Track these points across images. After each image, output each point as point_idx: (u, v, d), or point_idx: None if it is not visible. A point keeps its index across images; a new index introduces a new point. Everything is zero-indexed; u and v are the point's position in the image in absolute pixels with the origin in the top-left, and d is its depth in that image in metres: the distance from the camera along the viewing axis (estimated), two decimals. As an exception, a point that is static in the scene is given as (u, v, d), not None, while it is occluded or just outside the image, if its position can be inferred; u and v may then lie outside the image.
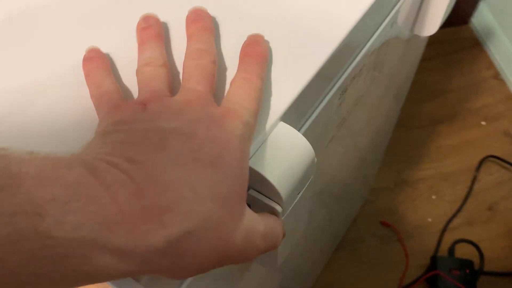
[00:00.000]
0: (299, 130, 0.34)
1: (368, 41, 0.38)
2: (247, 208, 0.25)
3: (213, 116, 0.24)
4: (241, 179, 0.24)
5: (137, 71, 0.28)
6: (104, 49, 0.30)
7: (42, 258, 0.17)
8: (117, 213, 0.19)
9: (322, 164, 0.49)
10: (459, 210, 1.15)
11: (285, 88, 0.30)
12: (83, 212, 0.18)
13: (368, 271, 1.08)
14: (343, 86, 0.38)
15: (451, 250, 1.08)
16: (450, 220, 1.13)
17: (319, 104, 0.35)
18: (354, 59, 0.37)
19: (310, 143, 0.38)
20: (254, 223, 0.25)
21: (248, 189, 0.28)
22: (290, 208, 0.30)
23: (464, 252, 1.08)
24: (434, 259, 1.06)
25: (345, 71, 0.37)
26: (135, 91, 0.28)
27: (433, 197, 1.17)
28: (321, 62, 0.31)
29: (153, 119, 0.23)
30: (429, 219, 1.14)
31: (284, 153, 0.28)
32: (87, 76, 0.28)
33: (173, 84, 0.28)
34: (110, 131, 0.24)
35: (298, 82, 0.30)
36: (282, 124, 0.29)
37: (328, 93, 0.36)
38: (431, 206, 1.16)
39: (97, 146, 0.23)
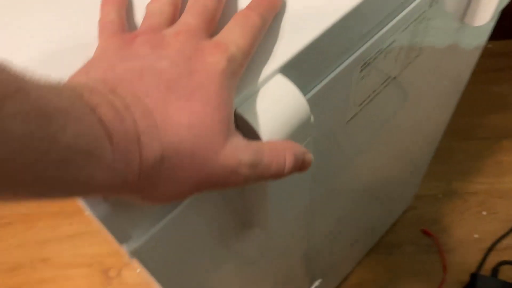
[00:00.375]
0: (307, 92, 0.33)
1: (398, 14, 0.37)
2: (232, 136, 0.25)
3: (198, 49, 0.24)
4: (221, 111, 0.24)
5: (146, 6, 0.29)
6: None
7: (47, 162, 0.18)
8: (106, 133, 0.20)
9: (344, 143, 0.48)
10: (511, 230, 1.07)
11: (291, 40, 0.29)
12: (81, 124, 0.19)
13: (400, 279, 1.03)
14: (364, 58, 0.36)
15: (495, 270, 1.01)
16: (499, 240, 1.06)
17: (332, 71, 0.34)
18: (380, 29, 0.36)
19: (321, 112, 0.37)
20: (238, 152, 0.25)
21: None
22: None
23: (509, 275, 1.00)
24: (474, 276, 0.99)
25: (367, 40, 0.35)
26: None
27: (484, 213, 1.10)
28: (335, 19, 0.30)
29: (137, 51, 0.24)
30: (476, 235, 1.07)
31: (276, 106, 0.28)
32: (101, 5, 0.29)
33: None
34: (100, 57, 0.25)
35: (306, 36, 0.29)
36: (279, 77, 0.28)
37: (344, 61, 0.35)
38: (480, 222, 1.09)
39: (89, 70, 0.24)
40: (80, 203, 0.25)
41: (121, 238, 0.26)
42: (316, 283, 0.81)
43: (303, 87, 0.32)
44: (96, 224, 0.25)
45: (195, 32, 0.25)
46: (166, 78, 0.23)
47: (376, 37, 0.36)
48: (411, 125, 0.69)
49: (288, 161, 0.27)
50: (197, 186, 0.24)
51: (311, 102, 0.33)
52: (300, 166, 0.29)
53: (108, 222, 0.24)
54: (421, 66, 0.50)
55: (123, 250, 0.29)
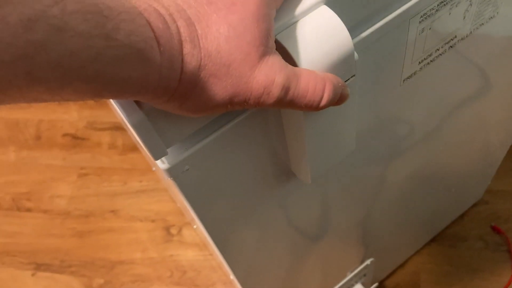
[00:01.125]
0: (356, 34, 0.32)
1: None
2: (270, 54, 0.25)
3: None
4: (260, 25, 0.24)
5: None
6: None
7: (106, 56, 0.20)
8: (154, 35, 0.22)
9: (402, 104, 0.46)
10: None
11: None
12: (133, 24, 0.21)
13: (460, 274, 0.98)
14: (425, 7, 0.35)
15: None
16: None
17: (386, 15, 0.33)
18: (444, -23, 0.34)
19: (373, 60, 0.36)
20: (273, 70, 0.25)
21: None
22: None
23: None
24: (545, 282, 0.92)
25: (428, -13, 0.33)
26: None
27: None
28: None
29: None
30: (553, 239, 0.99)
31: (318, 36, 0.27)
32: None
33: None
34: None
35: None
36: (324, 8, 0.28)
37: (401, 6, 0.33)
38: (560, 225, 1.00)
39: None
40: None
41: (156, 151, 0.27)
42: (368, 262, 0.80)
43: (352, 28, 0.32)
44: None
45: None
46: None
47: (439, -16, 0.34)
48: (487, 113, 0.65)
49: (328, 91, 0.27)
50: (231, 98, 0.25)
51: (361, 45, 0.33)
52: (338, 100, 0.28)
53: (142, 130, 0.26)
54: (497, 30, 0.47)
55: (160, 168, 0.30)
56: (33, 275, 1.12)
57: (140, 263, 1.10)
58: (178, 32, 0.23)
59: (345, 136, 0.35)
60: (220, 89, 0.24)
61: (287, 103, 0.26)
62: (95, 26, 0.19)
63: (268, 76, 0.25)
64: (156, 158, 0.28)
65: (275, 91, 0.25)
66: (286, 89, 0.25)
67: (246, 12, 0.24)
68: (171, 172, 0.30)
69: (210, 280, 1.06)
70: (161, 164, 0.30)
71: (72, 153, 1.28)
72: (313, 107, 0.27)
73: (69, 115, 1.35)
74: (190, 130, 0.29)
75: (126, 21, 0.20)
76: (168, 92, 0.23)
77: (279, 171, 0.40)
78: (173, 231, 1.13)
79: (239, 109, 0.26)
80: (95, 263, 1.12)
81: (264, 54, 0.25)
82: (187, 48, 0.23)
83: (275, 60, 0.25)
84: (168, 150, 0.29)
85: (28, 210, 1.22)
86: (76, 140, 1.31)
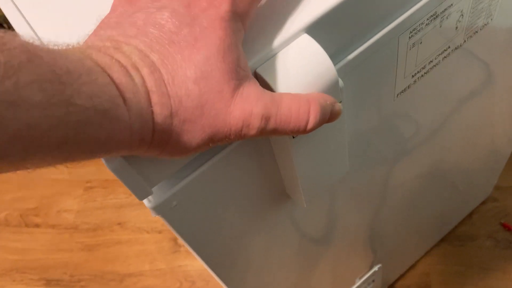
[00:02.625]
0: (342, 58, 0.31)
1: (454, -26, 0.33)
2: (244, 83, 0.24)
3: None
4: (226, 59, 0.23)
5: None
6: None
7: (67, 123, 0.19)
8: (119, 92, 0.21)
9: (398, 118, 0.45)
10: None
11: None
12: (94, 85, 0.20)
13: (472, 273, 0.97)
14: (413, 22, 0.34)
15: None
16: None
17: (374, 34, 0.32)
18: (432, -9, 0.33)
19: (364, 80, 0.35)
20: (249, 101, 0.24)
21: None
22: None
23: None
24: (559, 279, 0.90)
25: (415, 3, 0.32)
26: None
27: None
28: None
29: (140, 3, 0.24)
30: None
31: (300, 68, 0.26)
32: None
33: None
34: (110, 14, 0.25)
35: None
36: (305, 37, 0.27)
37: (388, 24, 0.32)
38: None
39: (100, 27, 0.25)
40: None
41: (139, 193, 0.27)
42: (376, 268, 0.79)
43: (337, 51, 0.31)
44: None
45: None
46: (168, 30, 0.23)
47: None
48: (491, 108, 0.63)
49: (314, 113, 0.25)
50: (210, 137, 0.24)
51: (349, 65, 0.32)
52: (330, 117, 0.27)
53: (123, 175, 0.25)
54: (493, 38, 0.46)
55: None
56: (43, 291, 1.13)
57: (149, 274, 1.10)
58: (144, 83, 0.22)
59: (337, 158, 0.35)
60: (197, 131, 0.23)
61: (270, 131, 0.25)
62: (52, 95, 0.18)
63: (244, 109, 0.24)
64: (141, 198, 0.27)
65: (255, 123, 0.24)
66: (266, 119, 0.24)
67: (210, 48, 0.23)
68: (158, 210, 0.29)
69: (219, 290, 1.05)
70: (147, 203, 0.29)
71: (77, 166, 1.28)
72: (301, 131, 0.26)
73: (73, 128, 1.35)
74: (174, 169, 0.28)
75: (87, 84, 0.19)
76: (143, 145, 0.23)
77: (276, 194, 0.39)
78: (181, 241, 1.13)
79: (223, 143, 0.25)
80: (105, 276, 1.12)
81: (236, 87, 0.24)
82: (155, 98, 0.22)
83: (251, 90, 0.24)
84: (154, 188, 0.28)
85: (37, 225, 1.22)
86: (80, 154, 1.31)
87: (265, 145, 0.33)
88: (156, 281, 1.09)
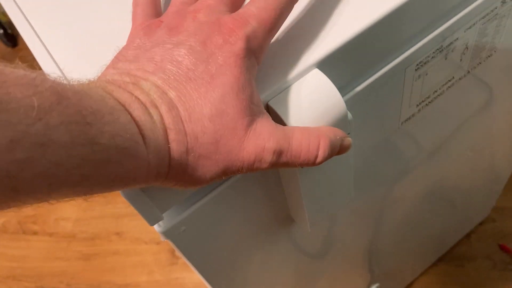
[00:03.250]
0: (350, 89, 0.32)
1: (460, 10, 0.34)
2: (257, 119, 0.25)
3: (215, 28, 0.24)
4: (240, 97, 0.24)
5: None
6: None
7: (91, 161, 0.19)
8: (139, 130, 0.22)
9: (402, 144, 0.46)
10: None
11: (332, 33, 0.28)
12: (116, 124, 0.21)
13: (469, 293, 0.97)
14: (419, 56, 0.34)
15: None
16: None
17: (380, 69, 0.33)
18: (439, 26, 0.34)
19: (371, 110, 0.36)
20: (262, 137, 0.24)
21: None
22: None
23: None
24: (555, 302, 0.91)
25: (422, 38, 0.33)
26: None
27: None
28: (381, 14, 0.28)
29: (157, 38, 0.25)
30: (562, 257, 0.98)
31: (310, 102, 0.27)
32: None
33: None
34: (127, 47, 0.26)
35: (350, 30, 0.28)
36: (316, 72, 0.28)
37: (396, 58, 0.33)
38: None
39: (118, 60, 0.25)
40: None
41: (151, 218, 0.27)
42: (373, 287, 0.79)
43: (346, 83, 0.32)
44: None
45: (214, 7, 0.25)
46: (185, 67, 0.23)
47: (433, 34, 0.33)
48: (492, 130, 0.64)
49: (323, 148, 0.26)
50: (224, 171, 0.25)
51: (356, 97, 0.32)
52: (339, 150, 0.28)
53: (136, 202, 0.26)
54: (497, 66, 0.46)
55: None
56: (39, 300, 1.12)
57: (146, 286, 1.10)
58: (162, 120, 0.23)
59: (342, 186, 0.35)
60: (211, 166, 0.24)
61: (282, 165, 0.26)
62: (78, 135, 0.19)
63: (257, 145, 0.24)
64: (152, 224, 0.28)
65: (267, 157, 0.25)
66: (278, 153, 0.25)
67: (226, 86, 0.23)
68: (167, 234, 0.30)
69: (216, 303, 1.05)
70: (157, 227, 0.30)
71: (77, 175, 1.29)
72: (310, 164, 0.27)
73: (74, 136, 1.35)
74: (184, 196, 0.29)
75: (110, 123, 0.20)
76: (159, 178, 0.23)
77: (280, 218, 0.39)
78: (178, 253, 1.13)
79: (236, 175, 0.26)
80: (101, 286, 1.12)
81: (250, 123, 0.24)
82: (172, 136, 0.23)
83: (264, 125, 0.25)
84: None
85: (34, 233, 1.22)
86: (80, 162, 1.31)
87: (273, 173, 0.33)
88: (153, 293, 1.09)
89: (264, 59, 0.27)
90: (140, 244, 1.15)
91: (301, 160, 0.26)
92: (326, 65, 0.28)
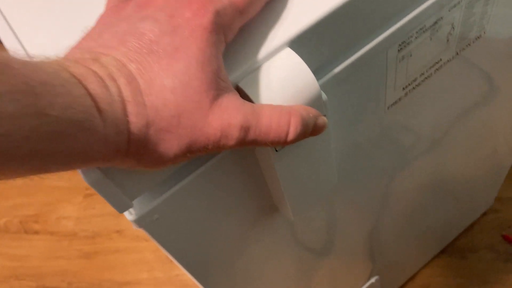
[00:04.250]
0: (328, 71, 0.31)
1: (443, -13, 0.33)
2: (224, 94, 0.24)
3: (184, 1, 0.24)
4: (206, 70, 0.23)
5: None
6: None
7: (40, 134, 0.19)
8: (94, 103, 0.21)
9: (391, 131, 0.45)
10: None
11: (305, 10, 0.27)
12: (68, 97, 0.20)
13: (472, 286, 0.95)
14: (401, 36, 0.33)
15: None
16: None
17: (360, 48, 0.32)
18: (419, 5, 0.32)
19: (353, 93, 0.35)
20: (228, 114, 0.24)
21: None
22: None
23: None
24: (560, 293, 0.89)
25: (403, 17, 0.32)
26: None
27: None
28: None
29: (124, 14, 0.24)
30: None
31: (281, 82, 0.26)
32: None
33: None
34: (95, 26, 0.25)
35: (324, 8, 0.27)
36: (288, 51, 0.27)
37: (376, 37, 0.32)
38: None
39: (84, 39, 0.25)
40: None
41: (119, 205, 0.27)
42: (373, 280, 0.78)
43: (323, 64, 0.30)
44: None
45: None
46: (148, 39, 0.23)
47: (414, 13, 0.32)
48: (493, 118, 0.63)
49: (294, 124, 0.25)
50: (188, 148, 0.24)
51: (335, 78, 0.31)
52: (312, 131, 0.27)
53: (101, 188, 0.25)
54: (490, 50, 0.45)
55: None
56: (41, 298, 1.13)
57: (147, 283, 1.09)
58: (120, 93, 0.22)
59: (323, 171, 0.34)
60: (174, 141, 0.23)
61: (250, 142, 0.25)
62: (25, 105, 0.18)
63: (223, 119, 0.24)
64: (120, 211, 0.27)
65: (234, 133, 0.24)
66: (245, 129, 0.24)
67: (190, 58, 0.23)
68: (139, 223, 0.29)
69: (216, 299, 1.04)
70: (129, 216, 0.29)
71: (77, 173, 1.28)
72: (281, 142, 0.26)
73: (73, 135, 1.35)
74: (154, 182, 0.28)
75: (62, 95, 0.19)
76: (118, 155, 0.22)
77: (264, 205, 0.38)
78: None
79: (202, 154, 0.25)
80: (102, 284, 1.11)
81: (215, 97, 0.23)
82: (131, 108, 0.22)
83: (230, 100, 0.24)
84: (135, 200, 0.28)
85: (36, 232, 1.22)
86: (80, 161, 1.31)
87: (251, 156, 0.32)
88: (154, 290, 1.08)
89: (233, 38, 0.26)
90: (141, 241, 1.15)
91: (271, 138, 0.25)
92: (299, 44, 0.27)
